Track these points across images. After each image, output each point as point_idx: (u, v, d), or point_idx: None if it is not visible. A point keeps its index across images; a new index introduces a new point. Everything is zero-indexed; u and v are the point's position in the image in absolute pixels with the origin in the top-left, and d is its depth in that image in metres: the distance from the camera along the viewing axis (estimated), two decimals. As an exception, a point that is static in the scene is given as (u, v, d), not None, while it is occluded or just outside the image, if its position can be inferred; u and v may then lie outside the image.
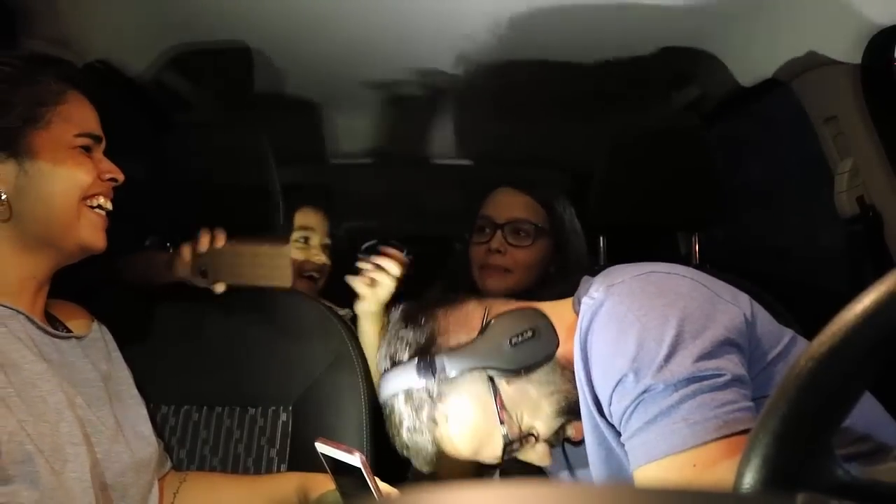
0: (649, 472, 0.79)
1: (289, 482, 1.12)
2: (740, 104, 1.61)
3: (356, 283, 1.23)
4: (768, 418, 0.47)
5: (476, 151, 2.10)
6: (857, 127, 1.24)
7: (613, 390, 0.83)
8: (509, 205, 1.49)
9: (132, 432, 1.03)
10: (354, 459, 0.88)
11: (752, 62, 1.42)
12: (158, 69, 1.51)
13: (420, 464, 1.05)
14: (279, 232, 1.34)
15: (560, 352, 0.97)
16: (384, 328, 1.14)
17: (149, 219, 1.37)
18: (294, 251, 1.57)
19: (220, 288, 1.17)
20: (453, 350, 0.98)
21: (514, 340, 0.96)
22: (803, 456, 0.47)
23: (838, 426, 0.47)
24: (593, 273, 1.03)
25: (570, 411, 0.97)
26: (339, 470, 0.93)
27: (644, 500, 0.37)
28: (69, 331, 1.04)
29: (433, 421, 1.00)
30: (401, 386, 1.02)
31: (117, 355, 1.12)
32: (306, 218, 1.61)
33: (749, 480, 0.47)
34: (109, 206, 1.00)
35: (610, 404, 0.84)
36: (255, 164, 1.32)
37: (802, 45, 1.26)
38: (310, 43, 1.48)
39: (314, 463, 1.15)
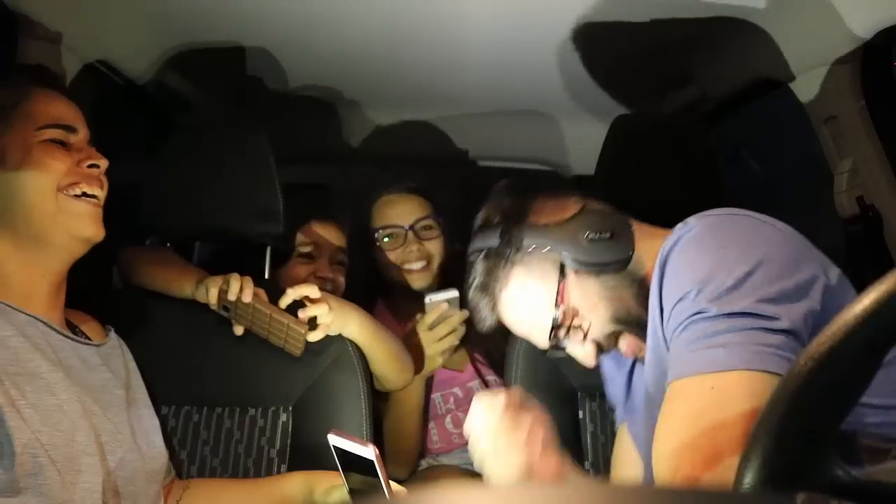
0: (674, 387, 0.82)
1: (292, 482, 1.12)
2: (740, 104, 1.61)
3: (316, 334, 1.24)
4: (768, 418, 0.47)
5: (475, 151, 2.10)
6: (857, 127, 1.24)
7: (675, 305, 0.86)
8: (406, 209, 1.64)
9: (145, 441, 1.04)
10: (368, 452, 0.88)
11: (752, 62, 1.42)
12: (159, 69, 1.51)
13: (482, 327, 1.10)
14: (280, 231, 1.34)
15: (638, 270, 1.01)
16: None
17: (149, 219, 1.37)
18: (299, 267, 1.53)
19: (238, 330, 1.23)
20: (537, 226, 1.04)
21: (591, 236, 1.00)
22: (803, 456, 0.47)
23: (838, 426, 0.47)
24: None
25: (627, 323, 1.01)
26: (348, 464, 0.94)
27: (644, 500, 0.37)
28: (88, 338, 1.04)
29: (501, 284, 1.05)
30: (484, 244, 1.08)
31: (133, 365, 1.12)
32: (311, 234, 1.56)
33: (749, 480, 0.47)
34: (98, 192, 0.99)
35: (669, 319, 0.87)
36: (255, 164, 1.32)
37: (802, 45, 1.26)
38: (310, 43, 1.48)
39: (314, 463, 1.15)
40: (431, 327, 1.47)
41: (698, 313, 0.82)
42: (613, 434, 1.29)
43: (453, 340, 1.49)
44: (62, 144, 0.97)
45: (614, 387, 1.20)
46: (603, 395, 1.31)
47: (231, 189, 1.32)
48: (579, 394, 1.31)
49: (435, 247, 1.64)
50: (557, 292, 1.02)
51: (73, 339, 0.98)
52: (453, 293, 1.46)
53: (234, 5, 1.33)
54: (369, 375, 1.31)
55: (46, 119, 0.97)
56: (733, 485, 0.48)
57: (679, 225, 0.93)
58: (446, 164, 2.16)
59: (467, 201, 1.82)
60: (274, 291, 1.23)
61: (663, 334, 0.90)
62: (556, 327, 1.03)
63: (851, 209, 1.28)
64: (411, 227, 1.62)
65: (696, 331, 0.82)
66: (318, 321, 1.22)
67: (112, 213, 1.02)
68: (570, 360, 1.30)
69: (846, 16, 1.17)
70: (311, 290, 1.22)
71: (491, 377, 1.63)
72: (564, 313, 1.02)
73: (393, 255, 1.62)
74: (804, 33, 1.25)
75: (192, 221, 1.34)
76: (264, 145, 1.32)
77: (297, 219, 1.53)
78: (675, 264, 0.88)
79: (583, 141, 2.02)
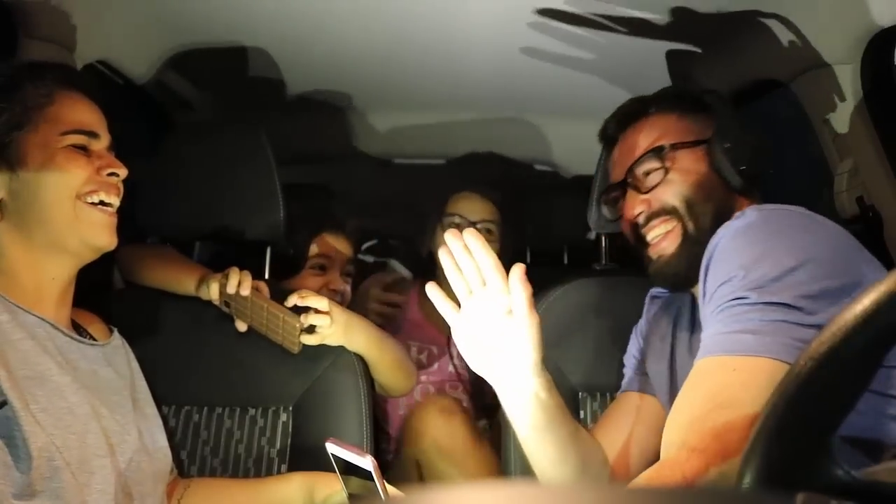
0: (700, 364, 0.85)
1: (292, 482, 1.12)
2: (740, 104, 1.61)
3: (311, 339, 1.24)
4: (768, 418, 0.47)
5: (475, 151, 2.10)
6: (857, 127, 1.24)
7: (717, 287, 0.87)
8: (479, 208, 1.81)
9: (151, 441, 1.04)
10: (366, 462, 0.89)
11: (752, 62, 1.42)
12: (158, 69, 1.51)
13: (603, 129, 1.23)
14: (280, 231, 1.34)
15: (728, 213, 1.02)
16: None
17: (149, 219, 1.37)
18: (311, 279, 1.55)
19: (241, 326, 1.23)
20: (727, 104, 1.12)
21: (749, 137, 1.06)
22: (803, 456, 0.47)
23: (838, 426, 0.47)
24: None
25: (690, 208, 1.04)
26: (347, 470, 0.94)
27: (645, 500, 0.37)
28: (94, 338, 1.04)
29: (657, 110, 1.14)
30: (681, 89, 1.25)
31: (136, 365, 1.12)
32: (324, 246, 1.58)
33: (749, 480, 0.47)
34: (114, 201, 0.99)
35: (710, 300, 0.89)
36: (255, 164, 1.32)
37: (802, 45, 1.26)
38: (310, 43, 1.48)
39: (314, 463, 1.15)
40: None
41: (737, 299, 0.83)
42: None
43: None
44: (84, 150, 0.97)
45: (644, 356, 1.20)
46: (604, 395, 1.31)
47: (231, 189, 1.32)
48: (580, 393, 1.31)
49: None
50: (680, 144, 1.07)
51: (78, 341, 0.98)
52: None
53: (234, 6, 1.33)
54: (369, 375, 1.31)
55: (70, 124, 0.96)
56: (733, 485, 0.48)
57: (736, 213, 0.95)
58: (447, 163, 2.16)
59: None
60: (282, 297, 1.23)
61: (702, 315, 0.91)
62: (645, 158, 1.08)
63: (851, 209, 1.27)
64: (474, 224, 1.76)
65: (732, 314, 0.83)
66: (317, 329, 1.22)
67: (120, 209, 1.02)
68: (572, 360, 1.31)
69: (846, 16, 1.17)
70: (320, 303, 1.21)
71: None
72: (663, 157, 1.07)
73: None
74: (804, 33, 1.25)
75: (192, 221, 1.34)
76: (264, 145, 1.32)
77: (310, 230, 1.55)
78: (724, 250, 0.90)
79: (583, 141, 2.02)
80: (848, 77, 1.23)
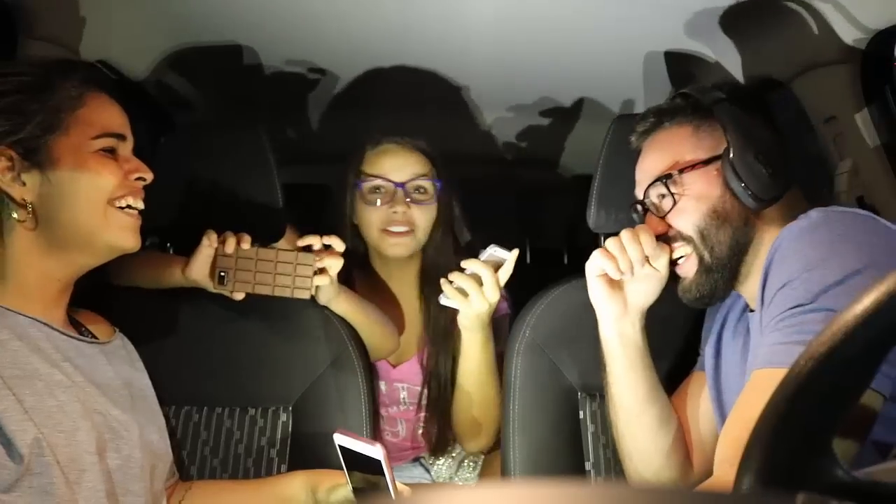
0: (758, 375, 0.84)
1: (294, 481, 1.12)
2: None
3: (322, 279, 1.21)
4: (769, 418, 0.47)
5: (475, 151, 2.10)
6: (857, 127, 1.24)
7: (777, 291, 0.86)
8: (404, 162, 1.44)
9: (154, 438, 1.04)
10: (376, 451, 0.90)
11: (752, 62, 1.42)
12: (159, 69, 1.51)
13: (633, 141, 1.18)
14: (281, 231, 1.34)
15: (749, 234, 1.02)
16: None
17: (149, 220, 1.37)
18: None
19: (239, 295, 1.19)
20: (743, 119, 1.04)
21: (760, 158, 0.99)
22: (803, 456, 0.47)
23: (838, 426, 0.47)
24: None
25: (703, 239, 1.03)
26: (352, 464, 0.94)
27: (645, 500, 0.37)
28: (95, 337, 1.04)
29: (670, 123, 1.11)
30: (697, 89, 1.15)
31: (140, 365, 1.12)
32: None
33: (749, 481, 0.47)
34: (140, 204, 1.01)
35: (770, 304, 0.87)
36: (255, 164, 1.32)
37: (802, 45, 1.26)
38: (310, 42, 1.48)
39: (315, 463, 1.16)
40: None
41: (798, 306, 0.81)
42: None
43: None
44: (112, 153, 0.97)
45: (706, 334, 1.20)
46: (603, 395, 1.31)
47: (231, 189, 1.32)
48: (580, 394, 1.31)
49: (422, 215, 1.43)
50: (692, 165, 1.04)
51: (75, 338, 0.99)
52: (510, 254, 1.25)
53: (234, 5, 1.33)
54: (369, 375, 1.31)
55: (101, 128, 0.96)
56: (733, 485, 0.48)
57: (801, 215, 0.92)
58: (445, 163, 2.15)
59: (468, 199, 1.83)
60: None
61: (760, 320, 0.90)
62: (655, 185, 1.06)
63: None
64: (402, 185, 1.41)
65: (792, 323, 0.81)
66: (326, 272, 1.20)
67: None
68: (571, 360, 1.31)
69: (846, 16, 1.17)
70: (339, 244, 1.21)
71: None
72: (675, 181, 1.04)
73: (376, 215, 1.42)
74: (804, 33, 1.25)
75: (192, 221, 1.34)
76: (264, 144, 1.32)
77: None
78: (785, 253, 0.88)
79: (583, 141, 2.02)
80: (848, 77, 1.23)
